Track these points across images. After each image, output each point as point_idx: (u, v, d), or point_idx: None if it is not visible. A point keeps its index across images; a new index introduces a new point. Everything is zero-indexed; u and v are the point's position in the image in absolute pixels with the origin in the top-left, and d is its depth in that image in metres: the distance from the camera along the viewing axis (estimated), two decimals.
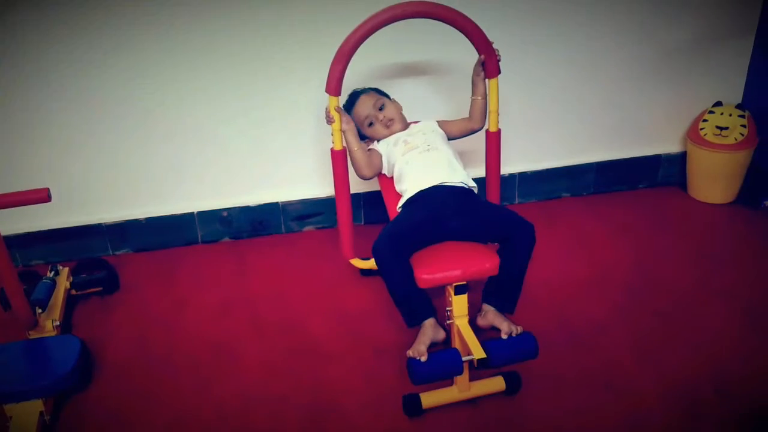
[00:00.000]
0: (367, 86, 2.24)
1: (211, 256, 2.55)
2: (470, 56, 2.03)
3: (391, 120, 2.14)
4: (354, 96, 2.20)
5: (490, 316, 1.86)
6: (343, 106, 2.16)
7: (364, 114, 2.15)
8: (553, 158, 2.76)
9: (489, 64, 1.99)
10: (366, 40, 1.86)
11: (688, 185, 2.81)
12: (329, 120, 1.98)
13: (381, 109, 2.15)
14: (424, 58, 2.47)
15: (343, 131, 2.01)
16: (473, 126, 2.14)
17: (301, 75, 2.40)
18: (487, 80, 2.04)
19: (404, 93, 2.35)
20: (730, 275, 2.30)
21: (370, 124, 2.15)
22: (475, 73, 2.05)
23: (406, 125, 2.18)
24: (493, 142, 2.12)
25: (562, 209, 2.75)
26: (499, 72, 2.01)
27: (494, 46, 1.96)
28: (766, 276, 2.29)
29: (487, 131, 2.13)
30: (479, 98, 2.08)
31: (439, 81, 2.50)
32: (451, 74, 2.48)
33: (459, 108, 2.22)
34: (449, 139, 2.17)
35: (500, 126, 2.09)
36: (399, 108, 2.21)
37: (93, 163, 2.44)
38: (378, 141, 2.19)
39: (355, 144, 2.06)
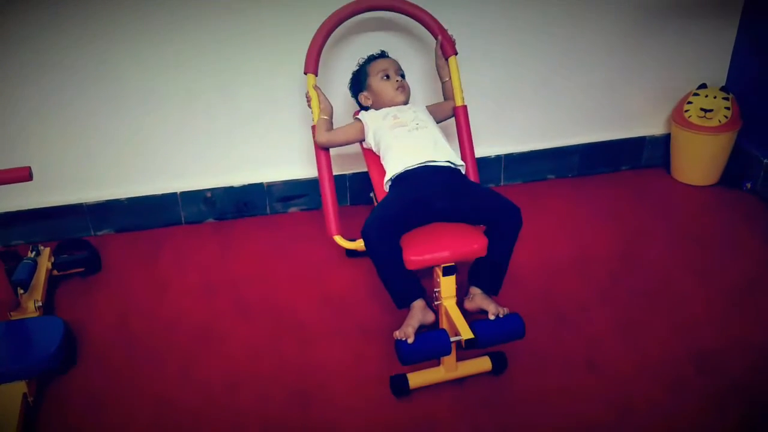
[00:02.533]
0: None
1: (194, 237, 2.53)
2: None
3: (402, 87, 2.14)
4: (383, 54, 2.22)
5: (478, 299, 1.85)
6: (367, 56, 2.21)
7: (384, 66, 2.15)
8: (539, 140, 2.76)
9: (445, 44, 2.15)
10: (336, 28, 2.13)
11: (671, 167, 2.83)
12: (309, 100, 2.08)
13: (401, 76, 2.17)
14: (410, 50, 2.46)
15: (321, 108, 2.09)
16: (452, 105, 2.20)
17: (286, 56, 2.36)
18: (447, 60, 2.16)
19: None
20: (712, 256, 2.33)
21: (386, 77, 2.14)
22: (438, 58, 2.18)
23: (406, 103, 2.16)
24: (462, 116, 2.18)
25: (547, 191, 2.76)
26: (456, 52, 2.16)
27: (446, 28, 2.13)
28: (747, 257, 2.32)
29: (454, 107, 2.19)
30: (448, 80, 2.19)
31: (425, 71, 2.49)
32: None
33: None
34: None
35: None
36: (409, 90, 2.21)
37: (74, 141, 2.40)
38: (368, 110, 2.17)
39: (322, 113, 2.11)
